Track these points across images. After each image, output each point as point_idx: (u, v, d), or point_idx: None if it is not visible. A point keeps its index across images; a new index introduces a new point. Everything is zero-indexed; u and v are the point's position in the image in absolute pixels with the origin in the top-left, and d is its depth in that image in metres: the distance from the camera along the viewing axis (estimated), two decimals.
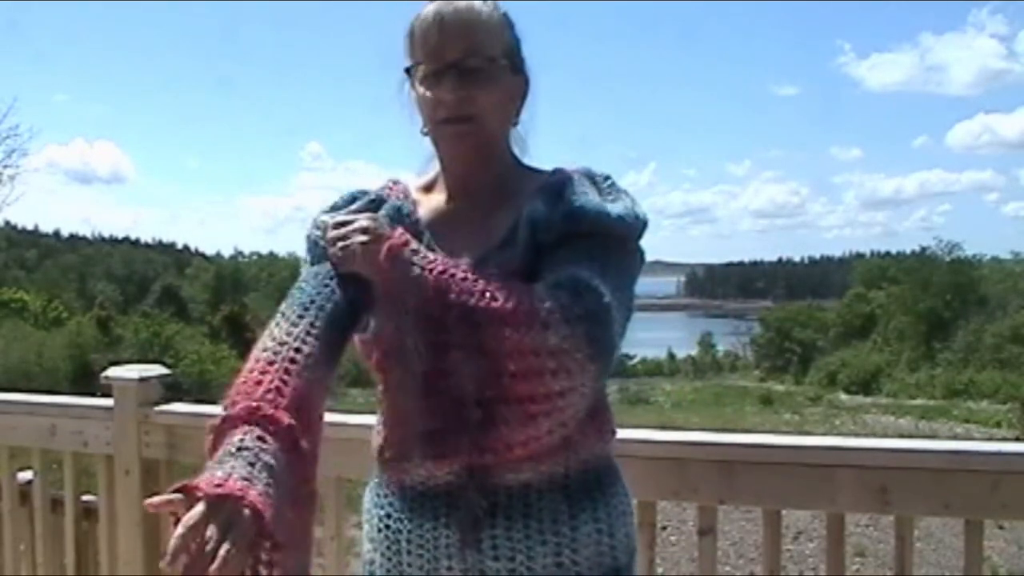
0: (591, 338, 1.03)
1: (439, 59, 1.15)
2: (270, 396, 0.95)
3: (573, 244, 1.11)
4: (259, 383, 0.96)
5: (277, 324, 1.05)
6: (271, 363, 0.99)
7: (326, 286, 1.09)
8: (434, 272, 1.06)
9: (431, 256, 1.09)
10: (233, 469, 0.86)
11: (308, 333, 1.03)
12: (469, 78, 1.15)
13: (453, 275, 1.07)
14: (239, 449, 0.89)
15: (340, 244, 1.10)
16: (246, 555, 0.84)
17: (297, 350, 1.00)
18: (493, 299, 1.04)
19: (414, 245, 1.09)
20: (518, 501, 1.13)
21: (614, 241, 1.13)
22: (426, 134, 1.22)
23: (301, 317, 1.04)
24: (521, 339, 1.02)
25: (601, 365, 1.06)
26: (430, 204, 1.25)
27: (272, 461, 0.90)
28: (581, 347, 1.03)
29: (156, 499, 0.85)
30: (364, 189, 1.27)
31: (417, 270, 1.06)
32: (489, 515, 1.12)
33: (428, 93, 1.16)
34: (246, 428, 0.92)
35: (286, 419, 0.93)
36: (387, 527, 1.20)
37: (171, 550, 0.79)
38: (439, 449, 1.12)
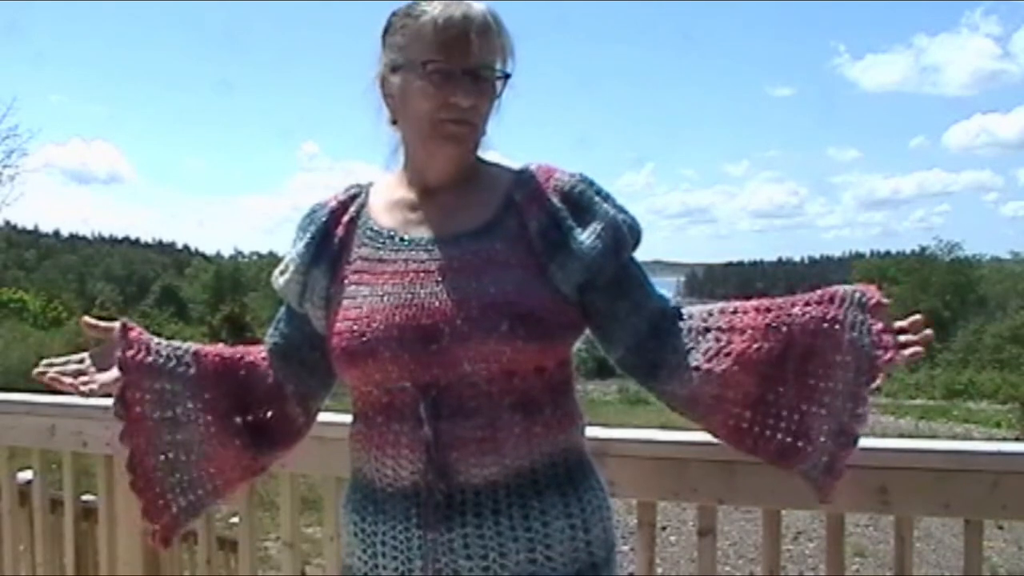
0: None
1: (457, 61, 1.15)
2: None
3: (625, 274, 1.23)
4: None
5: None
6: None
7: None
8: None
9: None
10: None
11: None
12: (479, 86, 1.16)
13: None
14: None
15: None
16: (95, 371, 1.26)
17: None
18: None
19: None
20: (487, 499, 1.13)
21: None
22: (394, 123, 1.24)
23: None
24: None
25: None
26: (391, 196, 1.27)
27: (184, 352, 1.30)
28: None
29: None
30: (320, 203, 1.31)
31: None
32: (459, 513, 1.13)
33: (433, 90, 1.15)
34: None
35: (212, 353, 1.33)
36: (362, 530, 1.21)
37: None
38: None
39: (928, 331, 1.12)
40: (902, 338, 1.12)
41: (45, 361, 1.24)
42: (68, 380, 1.24)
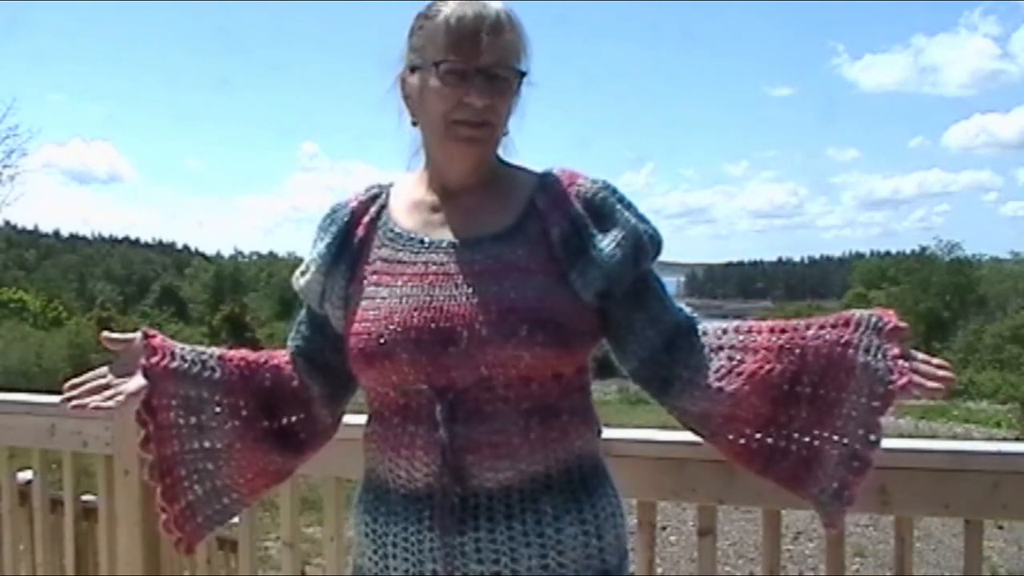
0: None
1: (471, 61, 1.14)
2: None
3: (644, 285, 1.22)
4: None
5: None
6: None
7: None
8: None
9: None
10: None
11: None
12: (495, 85, 1.15)
13: None
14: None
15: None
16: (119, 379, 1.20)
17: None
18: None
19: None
20: (500, 503, 1.13)
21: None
22: (415, 124, 1.23)
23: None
24: None
25: None
26: (412, 197, 1.26)
27: (207, 356, 1.27)
28: None
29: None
30: (341, 202, 1.30)
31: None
32: (472, 517, 1.12)
33: (447, 90, 1.15)
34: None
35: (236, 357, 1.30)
36: (373, 531, 1.20)
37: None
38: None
39: (950, 375, 1.12)
40: (922, 368, 1.11)
41: (68, 384, 1.19)
42: (94, 403, 1.18)
